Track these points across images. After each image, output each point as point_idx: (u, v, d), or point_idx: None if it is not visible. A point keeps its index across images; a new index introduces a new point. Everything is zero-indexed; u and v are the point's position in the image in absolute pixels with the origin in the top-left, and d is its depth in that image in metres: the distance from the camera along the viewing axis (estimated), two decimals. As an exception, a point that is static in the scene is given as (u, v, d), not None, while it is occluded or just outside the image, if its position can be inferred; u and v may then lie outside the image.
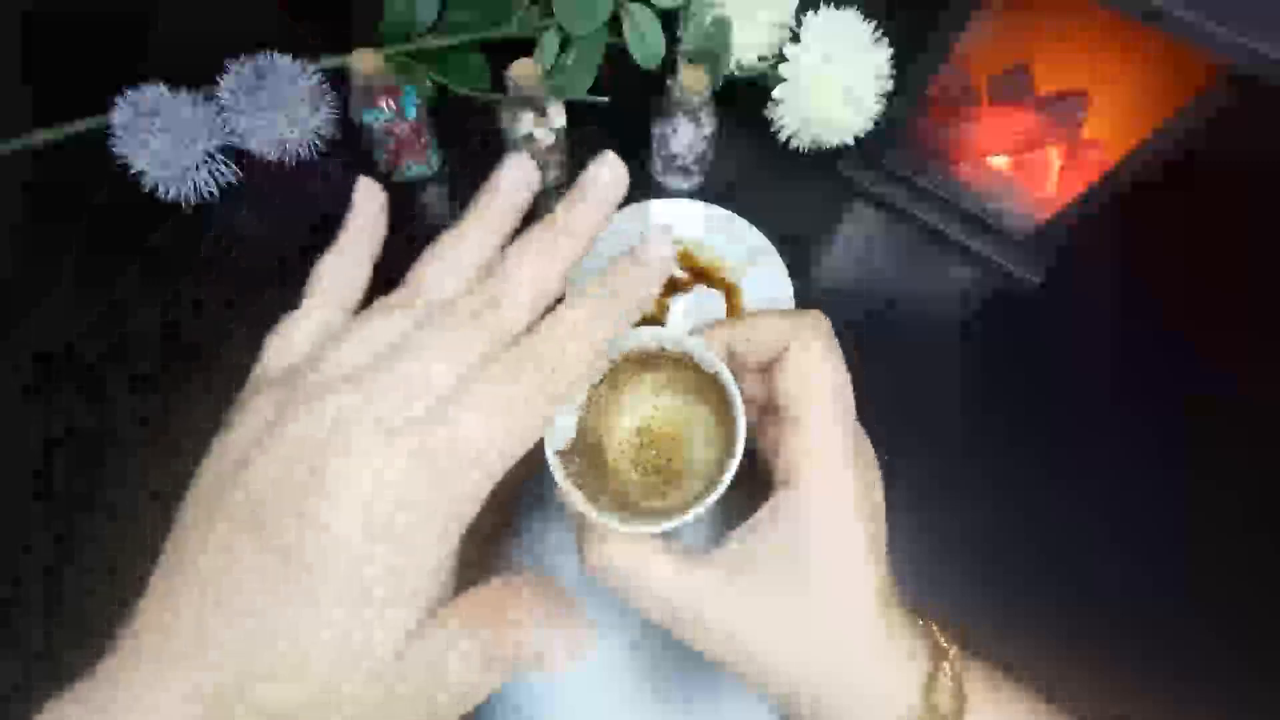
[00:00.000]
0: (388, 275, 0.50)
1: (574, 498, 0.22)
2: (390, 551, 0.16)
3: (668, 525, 0.22)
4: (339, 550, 0.16)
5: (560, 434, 0.24)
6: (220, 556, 0.16)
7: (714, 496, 0.22)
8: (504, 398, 0.18)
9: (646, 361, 0.26)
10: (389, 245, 0.51)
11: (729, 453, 0.23)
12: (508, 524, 0.39)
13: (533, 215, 0.55)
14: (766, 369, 0.24)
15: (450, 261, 0.21)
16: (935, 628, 0.24)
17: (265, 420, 0.18)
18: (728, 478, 0.22)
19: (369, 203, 0.23)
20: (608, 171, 0.22)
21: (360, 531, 0.16)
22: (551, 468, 0.23)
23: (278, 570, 0.16)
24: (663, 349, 0.25)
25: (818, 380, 0.23)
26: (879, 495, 0.24)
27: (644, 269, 0.21)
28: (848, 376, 0.24)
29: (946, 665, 0.22)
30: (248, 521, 0.16)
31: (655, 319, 0.47)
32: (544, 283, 0.20)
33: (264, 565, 0.16)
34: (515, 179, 0.22)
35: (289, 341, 0.20)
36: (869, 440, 0.25)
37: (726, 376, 0.23)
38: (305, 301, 0.22)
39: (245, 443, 0.17)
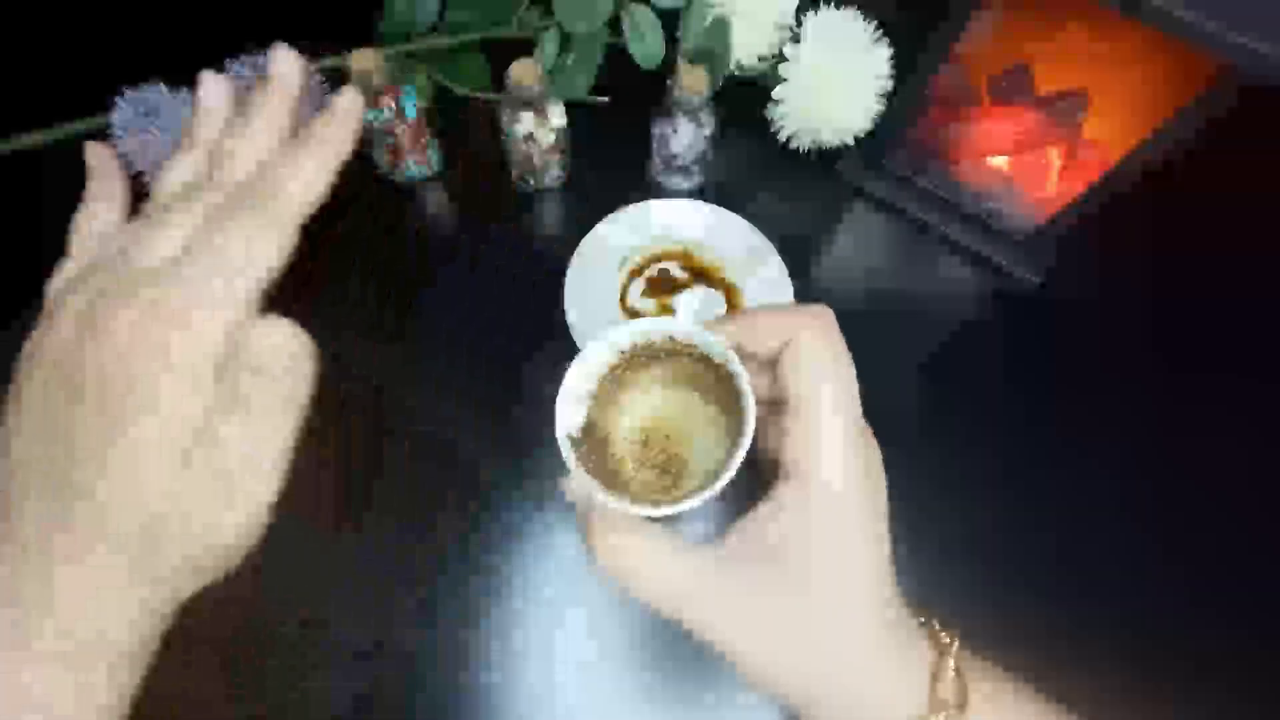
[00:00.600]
0: (388, 275, 0.50)
1: (583, 480, 0.22)
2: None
3: (675, 509, 0.22)
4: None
5: (571, 423, 0.24)
6: (57, 423, 0.20)
7: (722, 482, 0.22)
8: (241, 230, 0.22)
9: (655, 354, 0.26)
10: (389, 245, 0.51)
11: (737, 442, 0.23)
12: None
13: (531, 213, 0.55)
14: (771, 363, 0.24)
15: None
16: (937, 624, 0.24)
17: (83, 310, 0.21)
18: (735, 465, 0.22)
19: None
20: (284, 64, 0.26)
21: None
22: (563, 452, 0.23)
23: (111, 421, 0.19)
24: (672, 340, 0.25)
25: (822, 373, 0.23)
26: (883, 489, 0.24)
27: (334, 115, 0.25)
28: (853, 369, 0.23)
29: (950, 661, 0.22)
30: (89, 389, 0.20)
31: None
32: (263, 150, 0.24)
33: (94, 421, 0.20)
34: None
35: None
36: (873, 434, 0.25)
37: (736, 366, 0.23)
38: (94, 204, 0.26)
39: (73, 328, 0.21)
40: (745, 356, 0.24)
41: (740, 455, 0.22)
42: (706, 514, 0.39)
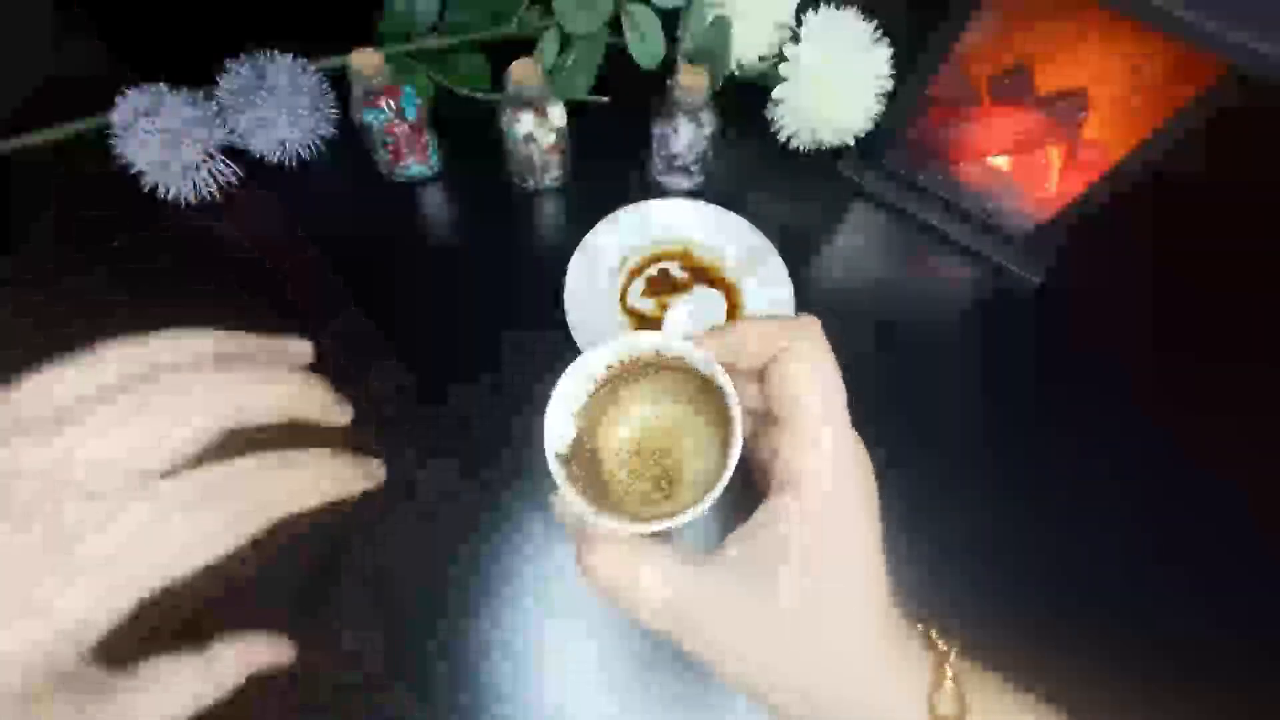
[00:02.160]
0: (388, 273, 0.50)
1: (573, 499, 0.22)
2: None
3: (665, 525, 0.22)
4: None
5: (559, 438, 0.24)
6: None
7: (712, 497, 0.22)
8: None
9: (644, 368, 0.26)
10: (390, 245, 0.51)
11: (726, 455, 0.22)
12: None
13: (531, 213, 0.55)
14: (760, 375, 0.24)
15: None
16: (934, 632, 0.24)
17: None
18: (725, 478, 0.22)
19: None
20: None
21: None
22: (552, 471, 0.23)
23: None
24: (659, 354, 0.25)
25: (811, 383, 0.23)
26: (875, 497, 0.24)
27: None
28: (841, 379, 0.23)
29: (948, 671, 0.22)
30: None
31: (656, 320, 0.47)
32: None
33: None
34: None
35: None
36: (863, 443, 0.25)
37: (723, 379, 0.23)
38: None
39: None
40: (735, 369, 0.24)
41: (730, 468, 0.22)
42: (699, 527, 0.39)
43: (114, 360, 0.21)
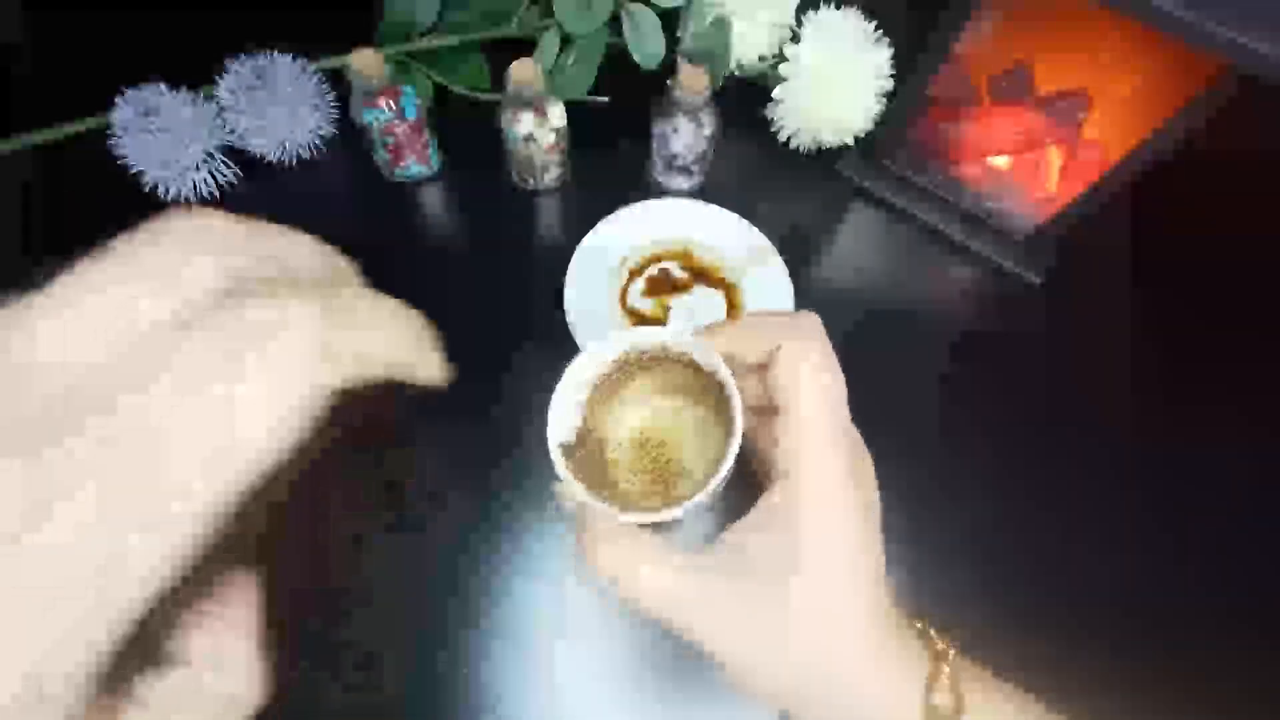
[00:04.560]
0: (388, 273, 0.50)
1: (575, 489, 0.23)
2: None
3: (666, 515, 0.22)
4: None
5: (563, 431, 0.24)
6: None
7: (712, 488, 0.22)
8: None
9: (647, 362, 0.26)
10: (390, 245, 0.51)
11: (726, 448, 0.23)
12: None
13: (531, 213, 0.55)
14: (762, 370, 0.25)
15: None
16: (932, 629, 0.24)
17: None
18: (725, 469, 0.22)
19: None
20: None
21: None
22: (555, 462, 0.23)
23: None
24: (664, 349, 0.25)
25: (810, 379, 0.23)
26: (873, 492, 0.24)
27: None
28: (840, 375, 0.24)
29: (946, 669, 0.22)
30: None
31: (656, 320, 0.47)
32: None
33: None
34: None
35: None
36: (862, 438, 0.25)
37: (725, 374, 0.23)
38: None
39: None
40: (737, 364, 0.24)
41: (729, 462, 0.22)
42: (700, 518, 0.39)
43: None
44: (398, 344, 0.16)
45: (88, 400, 0.12)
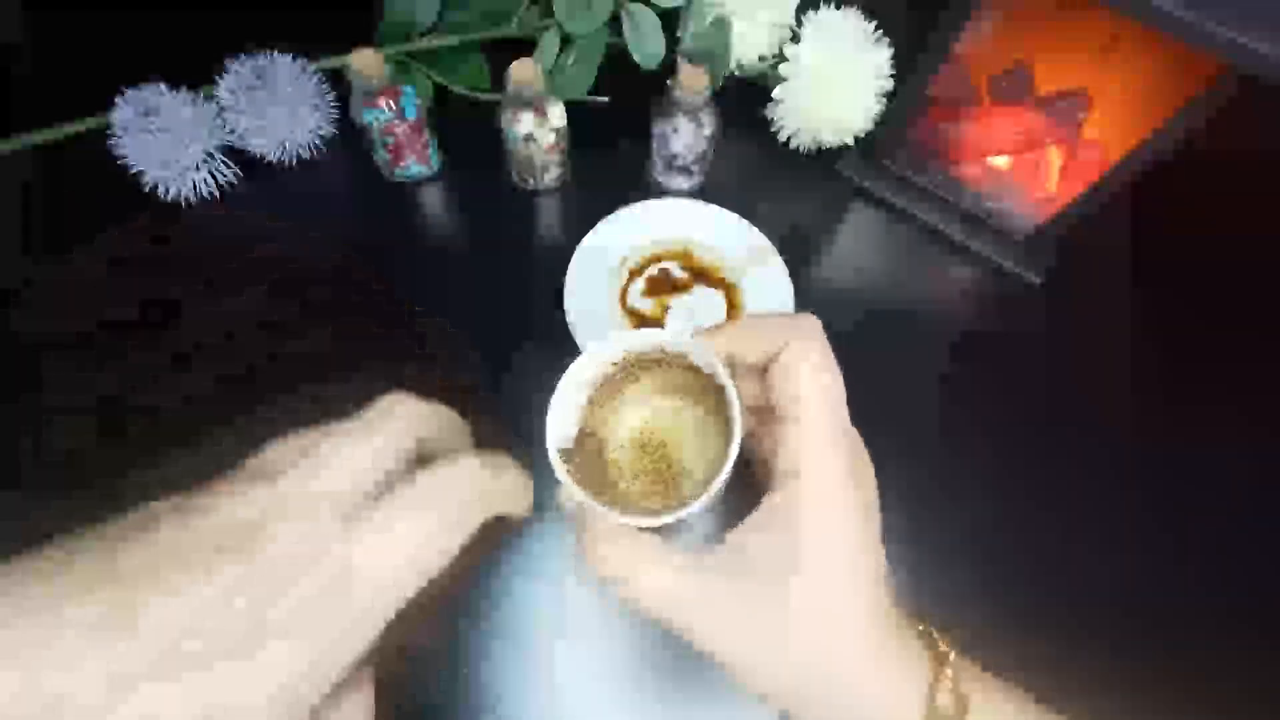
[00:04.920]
0: (388, 273, 0.50)
1: (575, 491, 0.23)
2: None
3: (667, 518, 0.22)
4: None
5: (562, 434, 0.24)
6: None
7: (712, 491, 0.22)
8: None
9: (646, 364, 0.26)
10: (390, 245, 0.51)
11: (725, 451, 0.23)
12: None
13: (531, 213, 0.55)
14: (761, 371, 0.25)
15: None
16: (934, 630, 0.24)
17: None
18: (725, 472, 0.22)
19: None
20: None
21: None
22: (554, 465, 0.23)
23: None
24: (663, 351, 0.25)
25: (810, 380, 0.23)
26: (873, 493, 0.24)
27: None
28: (840, 377, 0.24)
29: (948, 671, 0.22)
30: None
31: (656, 320, 0.47)
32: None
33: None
34: None
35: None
36: (862, 441, 0.25)
37: (724, 376, 0.23)
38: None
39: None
40: (737, 366, 0.24)
41: (729, 464, 0.22)
42: (700, 520, 0.39)
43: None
44: (518, 488, 0.22)
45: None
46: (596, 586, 0.24)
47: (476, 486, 0.20)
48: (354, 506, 0.18)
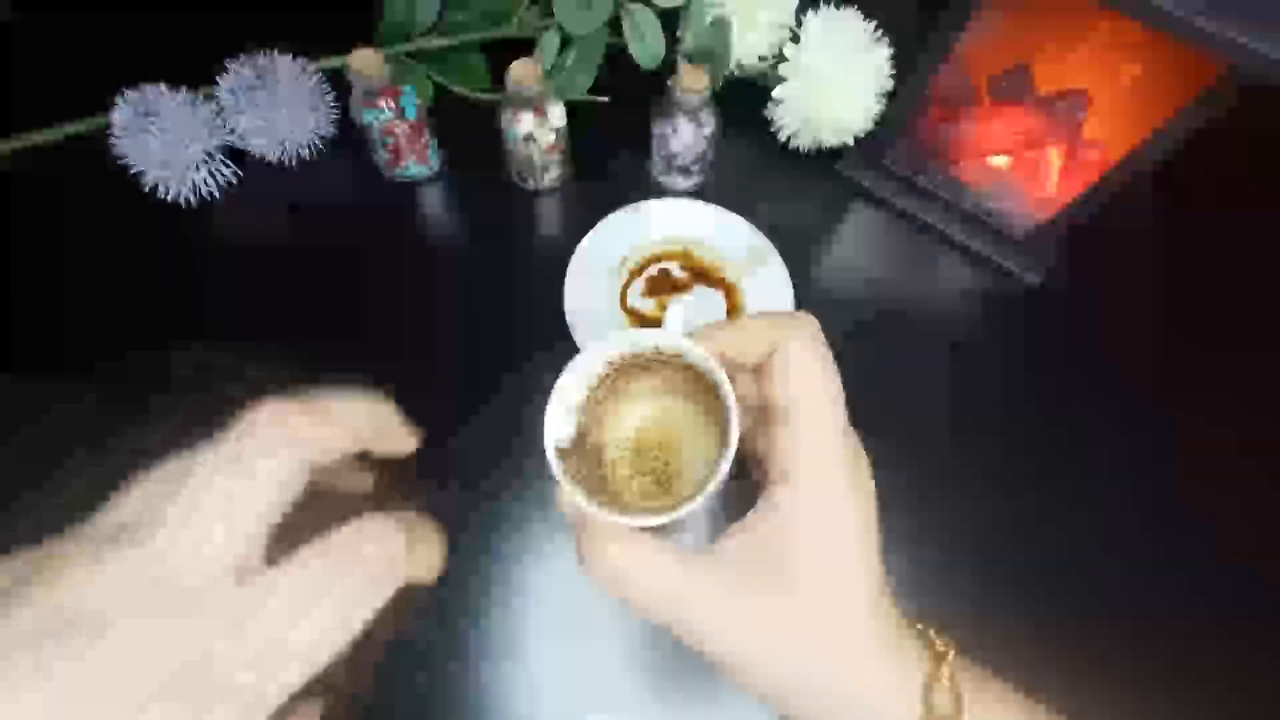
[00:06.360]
0: (389, 273, 0.50)
1: (573, 492, 0.23)
2: None
3: (664, 519, 0.22)
4: None
5: (559, 434, 0.24)
6: None
7: (709, 491, 0.22)
8: None
9: (643, 364, 0.26)
10: (390, 245, 0.51)
11: (722, 452, 0.23)
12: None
13: (531, 213, 0.55)
14: (759, 371, 0.25)
15: None
16: (932, 630, 0.24)
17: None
18: (722, 472, 0.22)
19: None
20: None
21: None
22: (552, 466, 0.23)
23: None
24: (659, 351, 0.25)
25: (807, 379, 0.23)
26: (872, 493, 0.24)
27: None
28: (837, 375, 0.24)
29: (945, 670, 0.22)
30: None
31: (656, 320, 0.47)
32: None
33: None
34: None
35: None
36: (859, 439, 0.25)
37: (720, 376, 0.23)
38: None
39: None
40: (734, 365, 0.24)
41: (726, 464, 0.22)
42: (698, 520, 0.39)
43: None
44: (431, 554, 0.21)
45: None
46: (596, 587, 0.23)
47: (384, 557, 0.18)
48: (230, 582, 0.16)
